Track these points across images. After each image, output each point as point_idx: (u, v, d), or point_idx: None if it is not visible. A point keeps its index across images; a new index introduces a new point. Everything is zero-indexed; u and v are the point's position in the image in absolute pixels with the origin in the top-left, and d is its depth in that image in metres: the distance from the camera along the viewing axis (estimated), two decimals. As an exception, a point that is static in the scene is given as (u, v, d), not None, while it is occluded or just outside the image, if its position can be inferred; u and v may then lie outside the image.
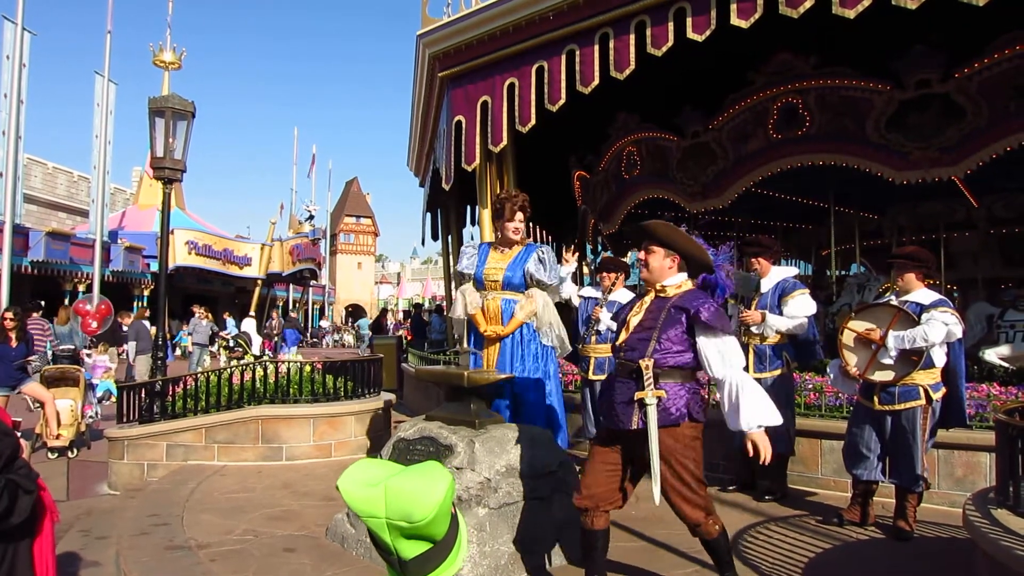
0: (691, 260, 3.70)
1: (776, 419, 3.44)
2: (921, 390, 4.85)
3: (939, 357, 4.89)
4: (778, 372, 5.92)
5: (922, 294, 5.02)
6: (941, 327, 4.72)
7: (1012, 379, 6.49)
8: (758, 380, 5.88)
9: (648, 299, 3.69)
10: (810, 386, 6.55)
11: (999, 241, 12.18)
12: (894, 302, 5.07)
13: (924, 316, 4.81)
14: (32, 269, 19.40)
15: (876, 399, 5.01)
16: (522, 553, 4.23)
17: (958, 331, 4.79)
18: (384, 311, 29.31)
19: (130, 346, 14.37)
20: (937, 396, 4.89)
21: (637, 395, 3.49)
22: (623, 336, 3.65)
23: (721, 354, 3.48)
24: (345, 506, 5.13)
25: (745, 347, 6.07)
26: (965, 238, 12.47)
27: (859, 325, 5.07)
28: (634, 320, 3.66)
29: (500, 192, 6.35)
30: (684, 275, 3.70)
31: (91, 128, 21.69)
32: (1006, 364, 7.21)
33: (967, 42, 7.34)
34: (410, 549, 1.45)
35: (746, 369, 5.93)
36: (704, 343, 3.50)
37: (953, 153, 7.69)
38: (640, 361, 3.50)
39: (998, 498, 3.55)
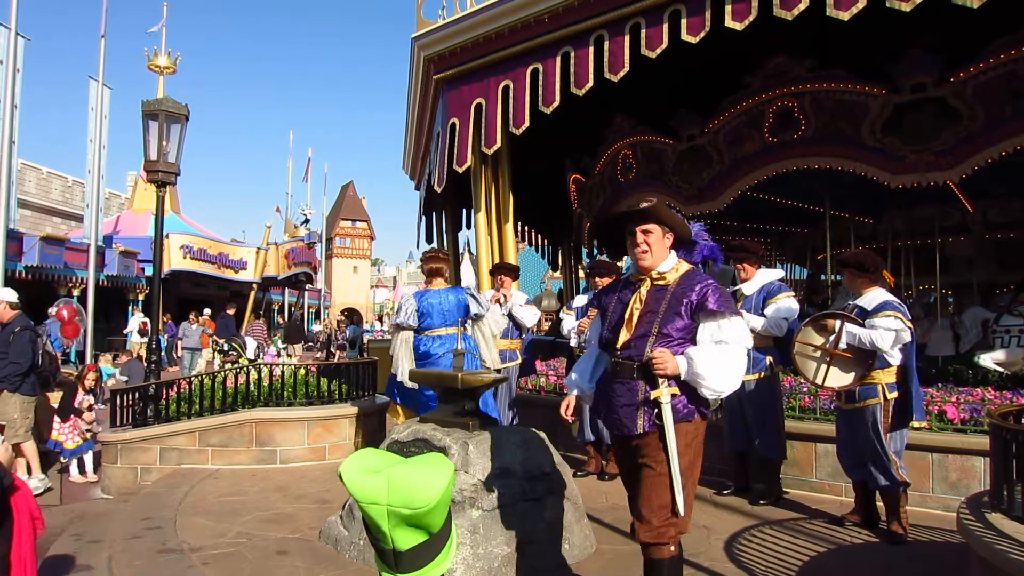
0: (680, 237, 3.44)
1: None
2: (879, 388, 4.94)
3: (895, 356, 4.92)
4: (763, 374, 5.92)
5: (868, 297, 5.06)
6: (888, 335, 4.76)
7: (1007, 383, 6.47)
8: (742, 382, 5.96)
9: (644, 289, 3.34)
10: (804, 389, 6.54)
11: (994, 246, 12.20)
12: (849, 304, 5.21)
13: (868, 323, 4.88)
14: (26, 274, 19.29)
15: (843, 397, 5.17)
16: (516, 555, 4.21)
17: (907, 335, 4.80)
18: None
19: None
20: (892, 396, 4.94)
21: (653, 394, 3.16)
22: (624, 335, 3.28)
23: (715, 334, 3.22)
24: (341, 505, 5.14)
25: None
26: (960, 243, 12.49)
27: (813, 338, 5.15)
28: (635, 314, 3.31)
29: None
30: (675, 255, 3.41)
31: (85, 133, 21.54)
32: (1001, 369, 7.21)
33: (963, 45, 7.34)
34: (407, 540, 1.45)
35: None
36: (704, 327, 3.24)
37: (949, 157, 7.67)
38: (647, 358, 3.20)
39: (992, 502, 3.53)
